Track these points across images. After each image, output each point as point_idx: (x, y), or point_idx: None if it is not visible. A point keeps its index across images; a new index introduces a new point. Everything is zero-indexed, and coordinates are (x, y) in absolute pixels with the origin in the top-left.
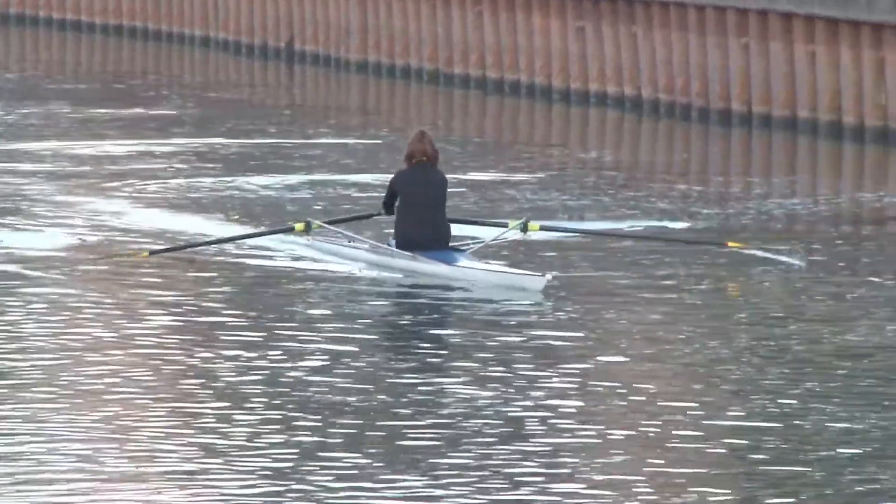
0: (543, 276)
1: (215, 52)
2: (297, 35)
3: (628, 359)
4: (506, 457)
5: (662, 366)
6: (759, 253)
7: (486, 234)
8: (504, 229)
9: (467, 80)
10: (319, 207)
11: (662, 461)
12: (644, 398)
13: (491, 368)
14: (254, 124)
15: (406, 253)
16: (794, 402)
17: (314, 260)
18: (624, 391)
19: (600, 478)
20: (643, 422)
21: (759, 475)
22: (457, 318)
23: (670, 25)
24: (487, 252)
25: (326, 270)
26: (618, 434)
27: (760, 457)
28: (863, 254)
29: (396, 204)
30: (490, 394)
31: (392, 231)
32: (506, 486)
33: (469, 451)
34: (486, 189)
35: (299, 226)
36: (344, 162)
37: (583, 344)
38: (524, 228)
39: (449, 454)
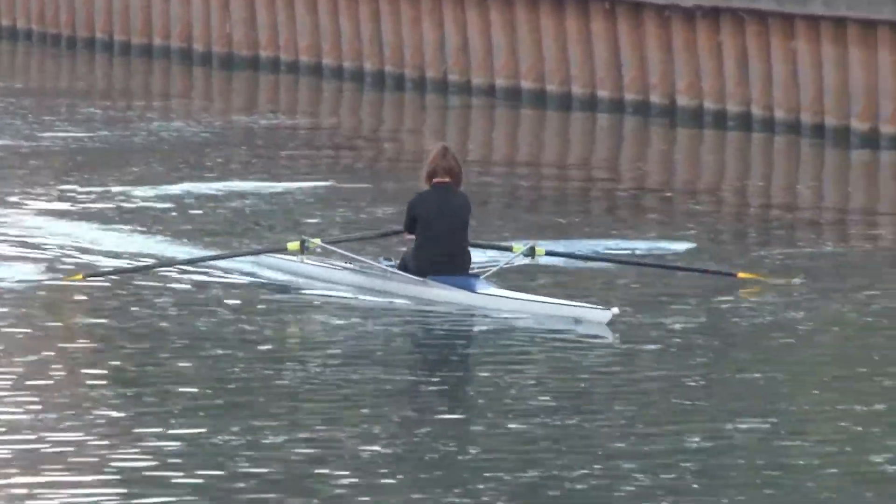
0: (609, 309)
1: None
2: None
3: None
4: None
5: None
6: (769, 281)
7: (484, 256)
8: (511, 254)
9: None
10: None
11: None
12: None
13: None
14: None
15: (418, 279)
16: None
17: (300, 286)
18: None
19: None
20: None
21: None
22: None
23: None
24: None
25: (320, 298)
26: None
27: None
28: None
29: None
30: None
31: (382, 251)
32: None
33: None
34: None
35: (292, 245)
36: None
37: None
38: (531, 253)
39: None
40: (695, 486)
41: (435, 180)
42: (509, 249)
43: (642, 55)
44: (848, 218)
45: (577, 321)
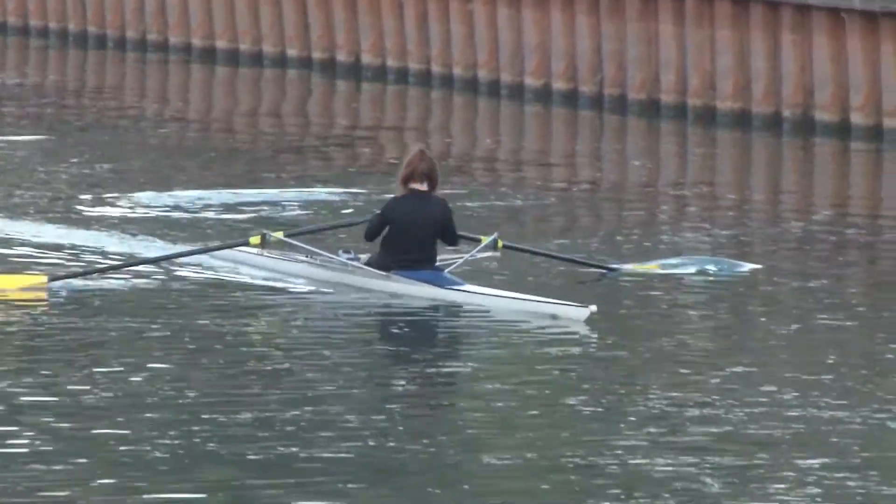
0: (587, 306)
1: None
2: None
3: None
4: None
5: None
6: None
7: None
8: (478, 244)
9: None
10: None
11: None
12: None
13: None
14: None
15: (381, 273)
16: None
17: (264, 279)
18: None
19: None
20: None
21: None
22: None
23: None
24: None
25: (282, 292)
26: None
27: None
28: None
29: (383, 234)
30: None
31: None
32: None
33: None
34: None
35: (254, 239)
36: None
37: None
38: (495, 245)
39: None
40: (400, 427)
41: (411, 185)
42: (478, 241)
43: (328, 15)
44: (524, 166)
45: (554, 317)
